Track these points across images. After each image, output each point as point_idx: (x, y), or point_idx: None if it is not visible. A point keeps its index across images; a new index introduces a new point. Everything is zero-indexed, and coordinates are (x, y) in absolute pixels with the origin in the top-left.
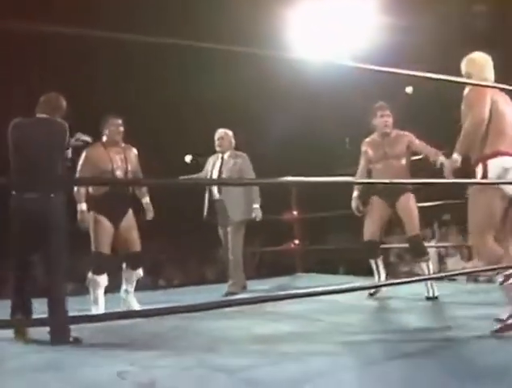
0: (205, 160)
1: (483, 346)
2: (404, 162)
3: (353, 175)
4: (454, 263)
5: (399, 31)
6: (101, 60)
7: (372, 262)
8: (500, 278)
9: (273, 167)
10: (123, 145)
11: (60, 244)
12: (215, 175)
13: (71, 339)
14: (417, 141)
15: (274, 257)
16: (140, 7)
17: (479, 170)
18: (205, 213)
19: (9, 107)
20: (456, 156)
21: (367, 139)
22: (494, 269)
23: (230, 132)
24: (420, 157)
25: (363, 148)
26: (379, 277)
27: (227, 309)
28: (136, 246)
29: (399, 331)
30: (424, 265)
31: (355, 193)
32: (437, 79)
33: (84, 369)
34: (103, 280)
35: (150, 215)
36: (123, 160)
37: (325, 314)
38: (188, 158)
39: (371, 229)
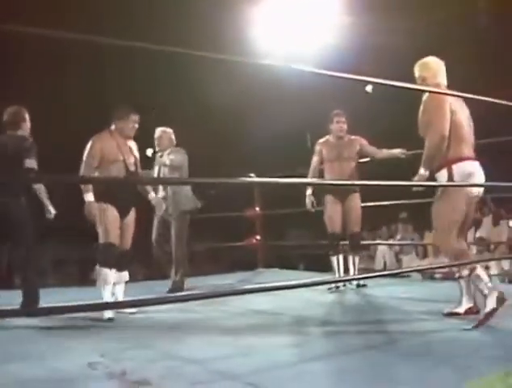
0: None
1: (434, 337)
2: (354, 163)
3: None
4: (409, 261)
5: (362, 30)
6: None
7: (334, 258)
8: (465, 271)
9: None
10: None
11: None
12: (155, 175)
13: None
14: (367, 145)
15: (236, 253)
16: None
17: (443, 174)
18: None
19: None
20: (423, 172)
21: (322, 139)
22: (452, 266)
23: (169, 130)
24: (367, 159)
25: (318, 147)
26: (339, 272)
27: (191, 303)
28: (129, 245)
29: (357, 323)
30: (356, 259)
31: (309, 191)
32: (398, 87)
33: (56, 359)
34: (112, 273)
35: (160, 210)
36: (129, 152)
37: (287, 309)
38: (149, 152)
39: (332, 223)
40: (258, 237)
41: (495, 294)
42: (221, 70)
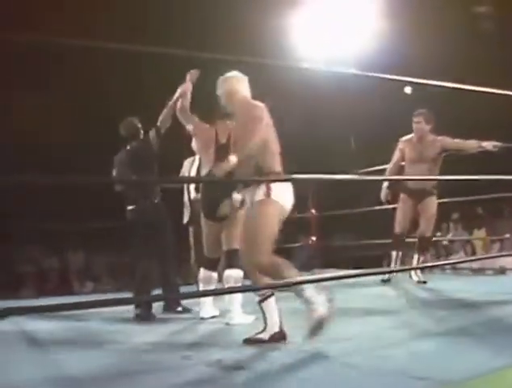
0: None
1: None
2: (434, 165)
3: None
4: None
5: (400, 34)
6: None
7: (394, 253)
8: (257, 297)
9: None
10: None
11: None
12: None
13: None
14: (451, 142)
15: (292, 254)
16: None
17: (261, 188)
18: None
19: None
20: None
21: (405, 138)
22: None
23: None
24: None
25: (400, 145)
26: (395, 264)
27: None
28: None
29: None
30: (421, 258)
31: (385, 183)
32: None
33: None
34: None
35: None
36: None
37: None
38: None
39: (402, 224)
40: (314, 238)
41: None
42: (264, 75)
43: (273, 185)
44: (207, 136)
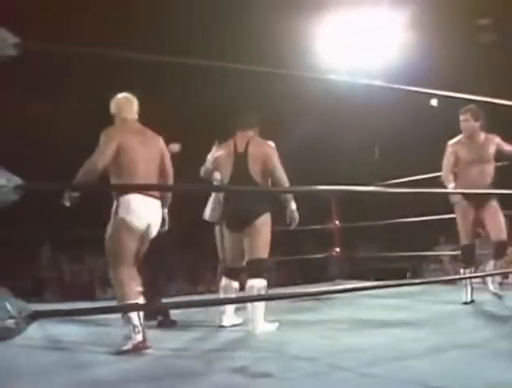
0: None
1: None
2: (491, 166)
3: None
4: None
5: (426, 46)
6: None
7: (463, 270)
8: None
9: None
10: None
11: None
12: None
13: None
14: (504, 145)
15: (315, 265)
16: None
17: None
18: None
19: None
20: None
21: (453, 140)
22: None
23: None
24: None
25: (450, 148)
26: (469, 286)
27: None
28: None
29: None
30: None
31: (452, 184)
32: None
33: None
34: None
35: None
36: None
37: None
38: None
39: (468, 233)
40: (338, 249)
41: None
42: (288, 85)
43: (123, 202)
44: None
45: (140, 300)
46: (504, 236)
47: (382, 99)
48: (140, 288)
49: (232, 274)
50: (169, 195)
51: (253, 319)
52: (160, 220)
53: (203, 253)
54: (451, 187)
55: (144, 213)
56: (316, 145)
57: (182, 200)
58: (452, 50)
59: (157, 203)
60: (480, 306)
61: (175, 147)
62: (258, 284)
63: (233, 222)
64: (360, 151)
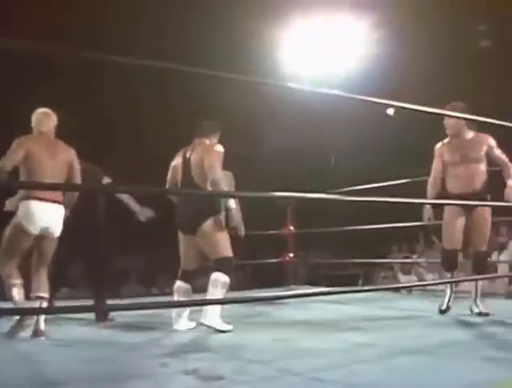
0: None
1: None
2: (483, 167)
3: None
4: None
5: (389, 55)
6: None
7: (448, 274)
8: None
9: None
10: None
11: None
12: None
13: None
14: (495, 149)
15: (268, 270)
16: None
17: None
18: None
19: None
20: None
21: (441, 142)
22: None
23: None
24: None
25: (437, 152)
26: (451, 291)
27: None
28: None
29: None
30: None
31: (429, 197)
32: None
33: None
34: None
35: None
36: None
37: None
38: None
39: (452, 237)
40: (291, 254)
41: None
42: (248, 91)
43: (22, 207)
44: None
45: (19, 291)
46: (484, 247)
47: (341, 107)
48: (19, 281)
49: (185, 276)
50: (74, 197)
51: (207, 315)
52: (61, 221)
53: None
54: (427, 207)
55: (41, 219)
56: (274, 152)
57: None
58: (414, 59)
59: (58, 207)
60: (430, 313)
61: None
62: (222, 278)
63: (184, 225)
64: (317, 159)
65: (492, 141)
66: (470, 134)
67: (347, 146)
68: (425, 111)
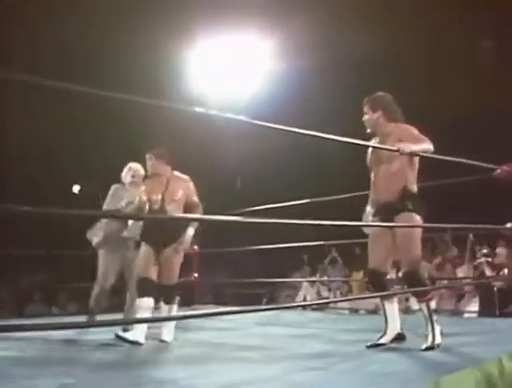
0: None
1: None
2: (399, 165)
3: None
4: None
5: (297, 76)
6: None
7: (386, 304)
8: None
9: None
10: None
11: None
12: None
13: None
14: (409, 137)
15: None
16: None
17: None
18: None
19: None
20: None
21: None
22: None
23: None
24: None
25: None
26: (393, 323)
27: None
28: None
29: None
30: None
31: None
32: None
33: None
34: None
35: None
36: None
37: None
38: (76, 189)
39: (372, 255)
40: (196, 274)
41: None
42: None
43: None
44: None
45: None
46: (411, 267)
47: (247, 129)
48: None
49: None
50: None
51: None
52: None
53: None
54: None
55: None
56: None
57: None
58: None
59: None
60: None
61: None
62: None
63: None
64: (223, 180)
65: (407, 130)
66: (388, 128)
67: (253, 168)
68: (329, 138)
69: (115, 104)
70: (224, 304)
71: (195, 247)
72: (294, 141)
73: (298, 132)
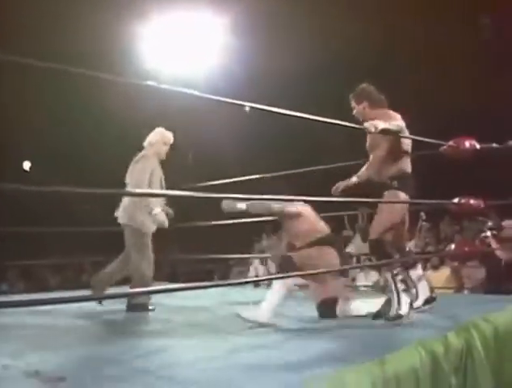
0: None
1: None
2: (380, 153)
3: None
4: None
5: (250, 51)
6: None
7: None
8: None
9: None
10: None
11: None
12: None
13: None
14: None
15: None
16: None
17: None
18: None
19: None
20: None
21: None
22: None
23: None
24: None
25: None
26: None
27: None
28: None
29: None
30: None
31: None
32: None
33: None
34: None
35: None
36: None
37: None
38: (27, 165)
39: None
40: None
41: None
42: (104, 88)
43: None
44: None
45: None
46: (373, 236)
47: (200, 104)
48: None
49: None
50: None
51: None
52: None
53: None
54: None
55: None
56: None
57: None
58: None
59: None
60: None
61: None
62: None
63: None
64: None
65: (386, 113)
66: (372, 115)
67: (207, 143)
68: (276, 112)
69: (66, 78)
70: (178, 281)
71: None
72: (249, 118)
73: (253, 107)
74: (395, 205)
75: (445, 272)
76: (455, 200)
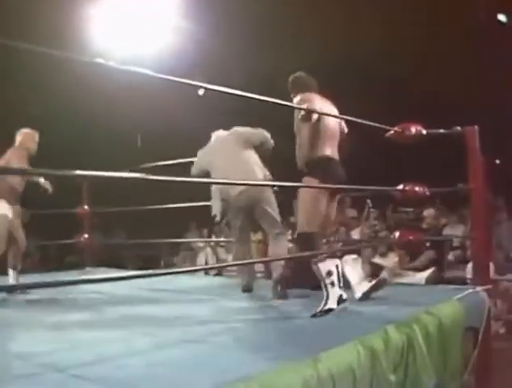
0: None
1: None
2: (302, 138)
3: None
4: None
5: (202, 34)
6: None
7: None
8: None
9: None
10: None
11: None
12: None
13: None
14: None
15: (64, 252)
16: None
17: None
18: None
19: None
20: None
21: None
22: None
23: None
24: None
25: None
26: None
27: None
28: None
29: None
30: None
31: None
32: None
33: None
34: None
35: None
36: None
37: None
38: None
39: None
40: (86, 235)
41: None
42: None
43: None
44: None
45: None
46: (300, 229)
47: (150, 86)
48: None
49: None
50: None
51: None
52: None
53: None
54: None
55: None
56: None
57: None
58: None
59: None
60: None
61: None
62: None
63: None
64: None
65: (306, 98)
66: (298, 98)
67: (156, 125)
68: (232, 94)
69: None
70: (122, 266)
71: (85, 207)
72: (198, 98)
73: (205, 88)
74: (309, 193)
75: (392, 259)
76: (400, 187)
